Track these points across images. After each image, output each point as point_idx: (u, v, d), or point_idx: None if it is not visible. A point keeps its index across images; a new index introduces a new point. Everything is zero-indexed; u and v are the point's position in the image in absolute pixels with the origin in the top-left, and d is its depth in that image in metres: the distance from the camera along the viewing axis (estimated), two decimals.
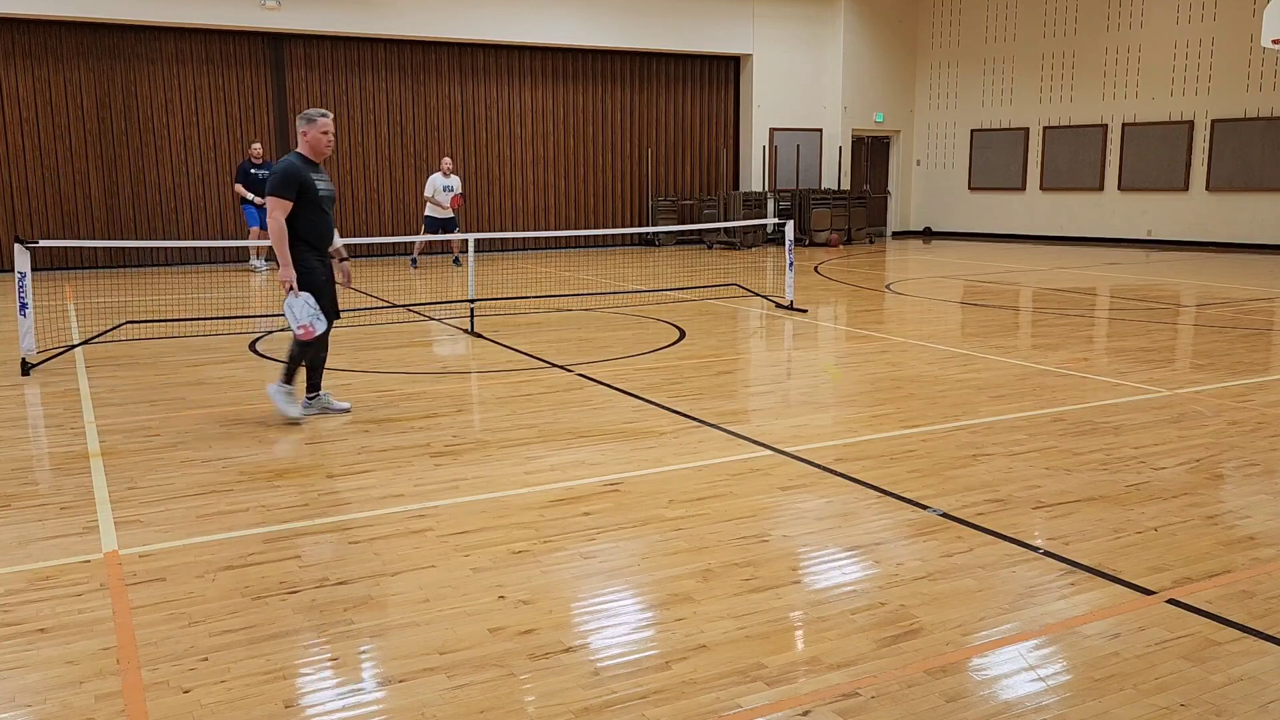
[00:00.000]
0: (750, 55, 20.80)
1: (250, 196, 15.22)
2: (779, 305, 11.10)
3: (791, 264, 11.14)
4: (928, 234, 22.78)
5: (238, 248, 16.68)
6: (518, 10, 18.36)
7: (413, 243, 16.84)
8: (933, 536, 4.16)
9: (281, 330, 9.89)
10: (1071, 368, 7.69)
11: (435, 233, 16.10)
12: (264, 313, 11.22)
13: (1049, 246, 19.86)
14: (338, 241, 6.29)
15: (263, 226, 15.37)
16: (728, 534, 4.21)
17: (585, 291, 12.89)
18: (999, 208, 21.52)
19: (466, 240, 14.30)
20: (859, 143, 22.11)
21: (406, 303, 11.78)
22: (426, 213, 16.48)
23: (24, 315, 7.71)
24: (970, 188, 21.98)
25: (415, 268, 16.13)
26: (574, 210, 20.18)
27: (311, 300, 5.96)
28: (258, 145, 15.66)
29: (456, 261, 16.74)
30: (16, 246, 7.62)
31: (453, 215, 16.45)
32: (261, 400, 6.84)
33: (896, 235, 22.92)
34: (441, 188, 16.20)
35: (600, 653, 3.21)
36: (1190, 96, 18.47)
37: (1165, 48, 18.68)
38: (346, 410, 6.38)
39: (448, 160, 16.49)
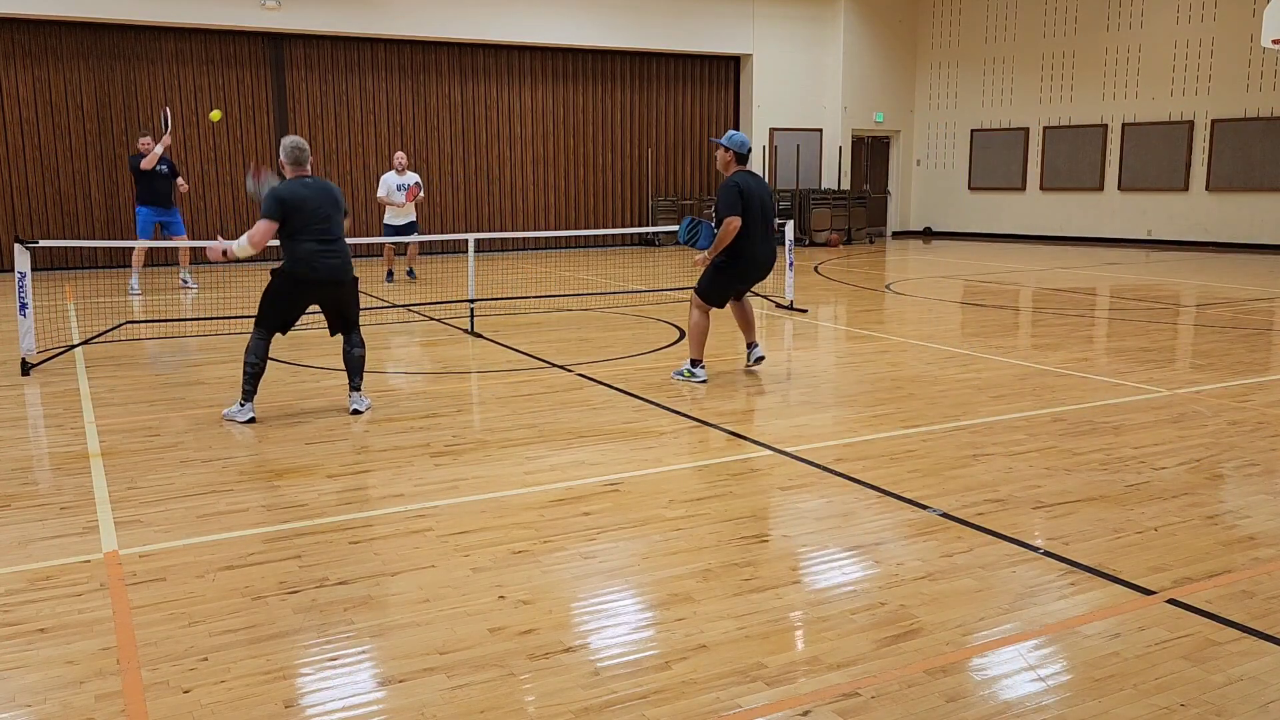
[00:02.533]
0: (750, 55, 20.80)
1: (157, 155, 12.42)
2: (779, 305, 11.10)
3: (791, 264, 11.14)
4: (928, 234, 22.78)
5: (184, 249, 16.01)
6: (518, 10, 18.36)
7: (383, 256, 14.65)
8: (933, 536, 4.16)
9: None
10: (1071, 368, 7.69)
11: (394, 239, 12.99)
12: None
13: (1049, 246, 19.86)
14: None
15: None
16: (728, 534, 4.21)
17: (585, 291, 12.89)
18: (999, 208, 21.52)
19: (417, 244, 13.44)
20: (859, 143, 22.11)
21: (406, 303, 11.78)
22: (385, 219, 13.94)
23: (24, 315, 7.71)
24: (970, 188, 21.98)
25: (391, 281, 13.97)
26: (574, 210, 20.18)
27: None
28: (148, 139, 12.81)
29: (411, 273, 14.39)
30: (16, 246, 7.62)
31: (413, 219, 13.94)
32: (261, 399, 6.84)
33: (896, 235, 22.92)
34: (395, 187, 13.69)
35: (600, 653, 3.21)
36: (1190, 96, 18.47)
37: (1165, 48, 18.68)
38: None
39: (401, 155, 13.94)
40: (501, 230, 19.10)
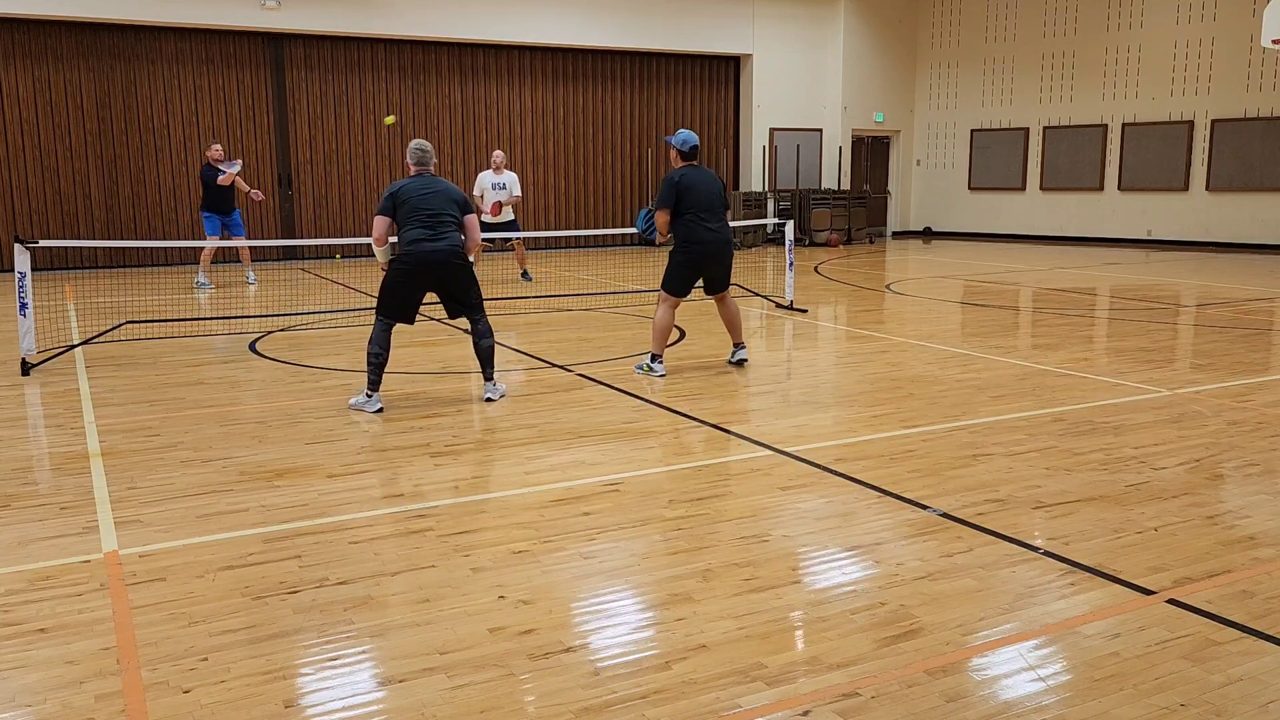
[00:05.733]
0: (750, 55, 20.79)
1: (225, 175, 13.07)
2: (779, 305, 11.10)
3: (791, 264, 11.14)
4: (928, 234, 22.78)
5: (236, 248, 16.29)
6: (518, 10, 18.36)
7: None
8: (933, 536, 4.16)
9: (278, 331, 9.89)
10: (1071, 368, 7.69)
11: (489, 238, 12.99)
12: (264, 313, 11.22)
13: (1049, 246, 19.86)
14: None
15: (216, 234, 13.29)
16: (728, 534, 4.21)
17: (585, 291, 12.89)
18: (999, 208, 21.52)
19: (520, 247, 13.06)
20: (859, 143, 22.11)
21: None
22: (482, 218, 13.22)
23: (24, 315, 7.71)
24: (970, 188, 21.98)
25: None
26: (574, 210, 20.18)
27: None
28: (217, 146, 13.49)
29: (526, 275, 13.95)
30: (16, 246, 7.62)
31: (511, 218, 13.39)
32: (261, 399, 6.85)
33: (896, 235, 22.92)
34: (490, 186, 13.23)
35: (600, 653, 3.21)
36: (1190, 96, 18.47)
37: (1165, 48, 18.68)
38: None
39: (499, 154, 13.46)
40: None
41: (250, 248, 14.62)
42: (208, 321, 10.52)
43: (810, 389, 7.29)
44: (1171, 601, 3.52)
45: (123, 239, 16.36)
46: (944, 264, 16.95)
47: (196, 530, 4.29)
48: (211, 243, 12.77)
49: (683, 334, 9.39)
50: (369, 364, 6.39)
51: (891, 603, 3.52)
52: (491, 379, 6.74)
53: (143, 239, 16.40)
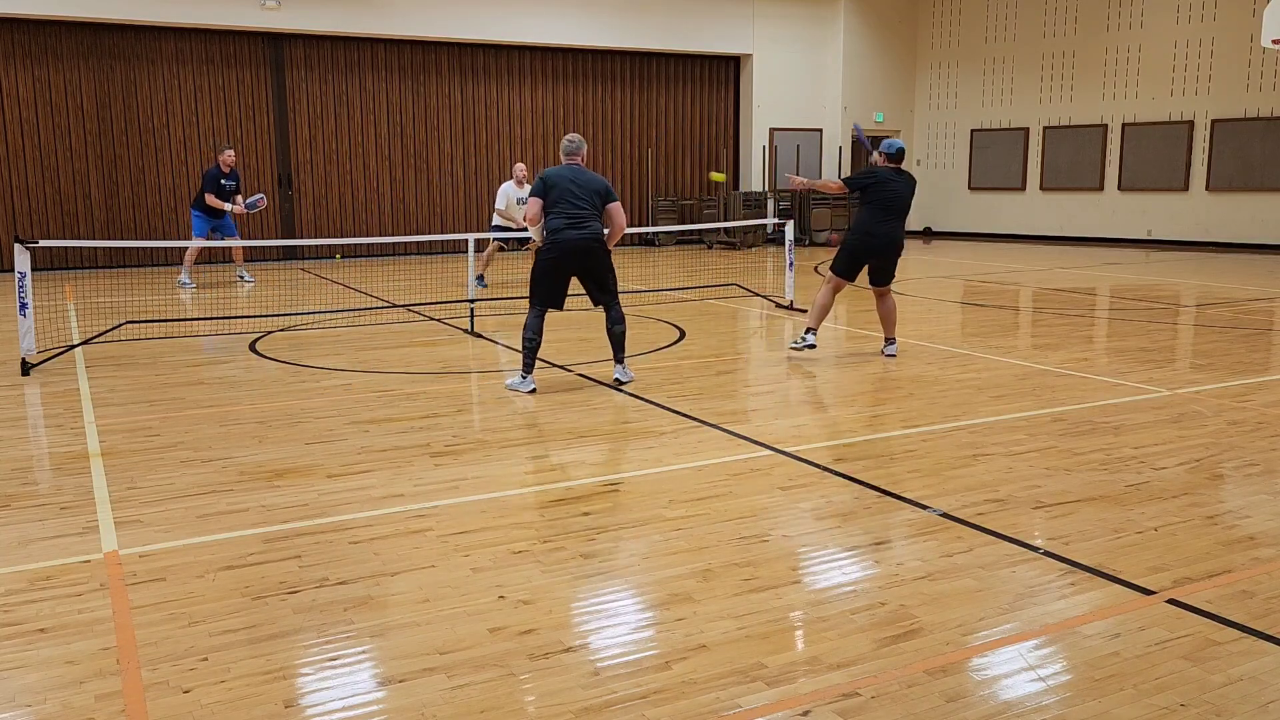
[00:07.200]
0: (750, 55, 20.79)
1: (228, 207, 13.39)
2: (779, 305, 11.10)
3: (791, 264, 11.14)
4: (928, 234, 22.77)
5: (229, 247, 16.20)
6: (518, 10, 18.36)
7: (480, 256, 13.03)
8: (933, 536, 4.16)
9: (278, 331, 9.89)
10: (1071, 368, 7.69)
11: (507, 245, 13.18)
12: (264, 313, 11.21)
13: (1049, 246, 19.86)
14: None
15: (215, 236, 13.34)
16: (728, 534, 4.21)
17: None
18: (999, 208, 21.51)
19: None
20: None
21: (406, 303, 11.78)
22: (494, 221, 13.65)
23: (24, 315, 7.71)
24: (970, 188, 21.98)
25: (483, 286, 13.01)
26: None
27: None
28: (230, 152, 13.66)
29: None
30: (16, 246, 7.62)
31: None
32: (261, 399, 6.85)
33: None
34: (516, 201, 13.25)
35: (600, 653, 3.21)
36: (1190, 96, 18.46)
37: (1165, 48, 18.68)
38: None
39: (521, 167, 13.45)
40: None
41: (247, 247, 14.60)
42: (208, 322, 10.51)
43: (810, 389, 7.29)
44: (1171, 601, 3.52)
45: (123, 239, 16.35)
46: (944, 264, 16.95)
47: (196, 530, 4.29)
48: (198, 243, 12.87)
49: (682, 334, 9.39)
50: (524, 348, 6.85)
51: (891, 603, 3.52)
52: (621, 362, 7.15)
53: (143, 239, 16.40)
